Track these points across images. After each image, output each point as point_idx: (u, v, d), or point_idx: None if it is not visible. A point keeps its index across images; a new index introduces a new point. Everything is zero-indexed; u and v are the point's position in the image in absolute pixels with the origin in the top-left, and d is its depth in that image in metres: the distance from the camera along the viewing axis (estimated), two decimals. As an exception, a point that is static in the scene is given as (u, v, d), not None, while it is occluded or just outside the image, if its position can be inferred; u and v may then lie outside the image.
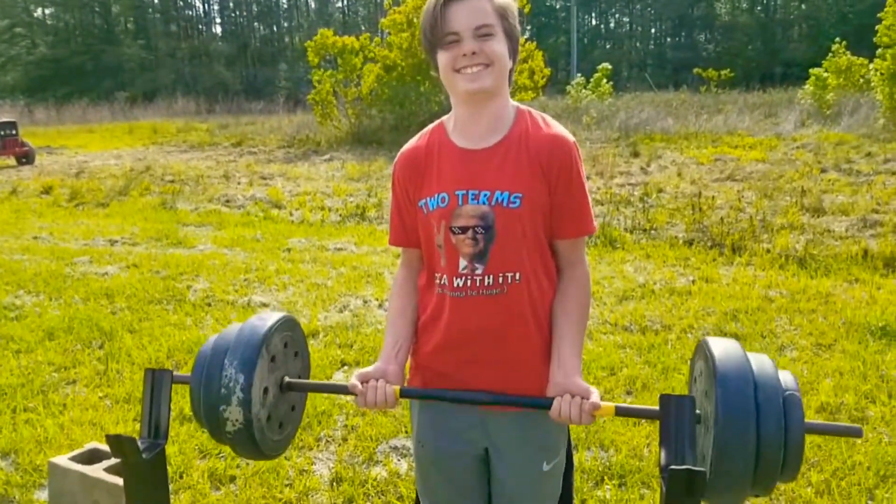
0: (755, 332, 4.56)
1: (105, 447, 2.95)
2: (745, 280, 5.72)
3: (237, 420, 1.48)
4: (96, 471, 2.71)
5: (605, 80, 24.37)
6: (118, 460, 2.80)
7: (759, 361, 1.39)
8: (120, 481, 2.64)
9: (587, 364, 4.04)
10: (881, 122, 15.15)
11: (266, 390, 1.56)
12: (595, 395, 1.46)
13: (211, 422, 1.52)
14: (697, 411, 1.39)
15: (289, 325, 1.67)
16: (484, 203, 1.53)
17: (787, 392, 1.35)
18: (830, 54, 19.77)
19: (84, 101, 32.27)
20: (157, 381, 1.28)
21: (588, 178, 10.76)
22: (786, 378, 1.40)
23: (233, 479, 2.99)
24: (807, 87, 18.99)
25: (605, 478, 2.94)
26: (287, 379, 1.63)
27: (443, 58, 1.53)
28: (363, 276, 6.16)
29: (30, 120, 27.07)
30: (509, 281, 1.55)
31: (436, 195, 1.58)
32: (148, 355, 4.36)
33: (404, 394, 1.52)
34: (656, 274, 5.98)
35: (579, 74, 27.60)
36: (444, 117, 1.67)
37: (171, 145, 18.69)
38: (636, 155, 12.96)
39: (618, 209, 8.53)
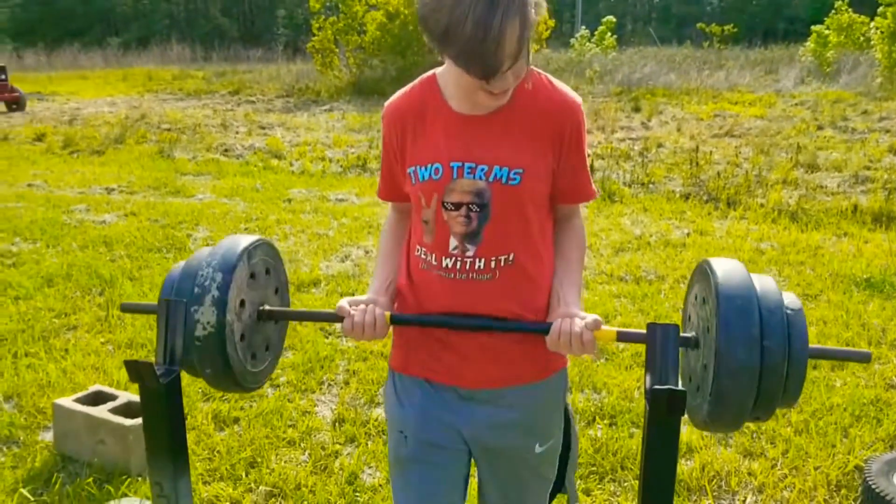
0: (748, 285, 4.65)
1: (109, 389, 3.02)
2: (739, 233, 5.79)
3: (209, 322, 1.38)
4: (101, 412, 2.79)
5: (609, 34, 24.06)
6: (122, 402, 2.88)
7: (763, 282, 1.35)
8: (125, 421, 2.72)
9: (582, 315, 4.11)
10: (878, 81, 15.06)
11: (243, 303, 1.46)
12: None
13: (185, 336, 1.42)
14: (691, 334, 1.42)
15: (271, 252, 1.58)
16: (481, 178, 1.39)
17: (792, 314, 1.32)
18: (833, 11, 19.51)
19: (75, 47, 31.59)
20: (172, 311, 1.31)
21: (589, 132, 10.74)
22: (790, 300, 1.35)
23: (236, 420, 3.08)
24: (808, 44, 18.79)
25: (597, 417, 3.05)
26: (267, 307, 1.53)
27: (470, 80, 1.29)
28: (364, 226, 6.19)
29: (18, 65, 26.39)
30: (502, 264, 1.44)
31: (428, 165, 1.43)
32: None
33: (395, 320, 1.45)
34: (652, 227, 6.04)
35: (583, 27, 27.22)
36: (438, 70, 1.50)
37: (166, 93, 18.47)
38: (637, 110, 12.90)
39: (617, 163, 8.54)
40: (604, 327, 1.37)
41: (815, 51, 18.19)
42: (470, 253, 1.42)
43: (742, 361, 1.25)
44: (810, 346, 1.33)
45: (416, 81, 1.51)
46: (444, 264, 1.44)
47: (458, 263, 1.43)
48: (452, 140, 1.41)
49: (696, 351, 1.40)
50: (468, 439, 1.54)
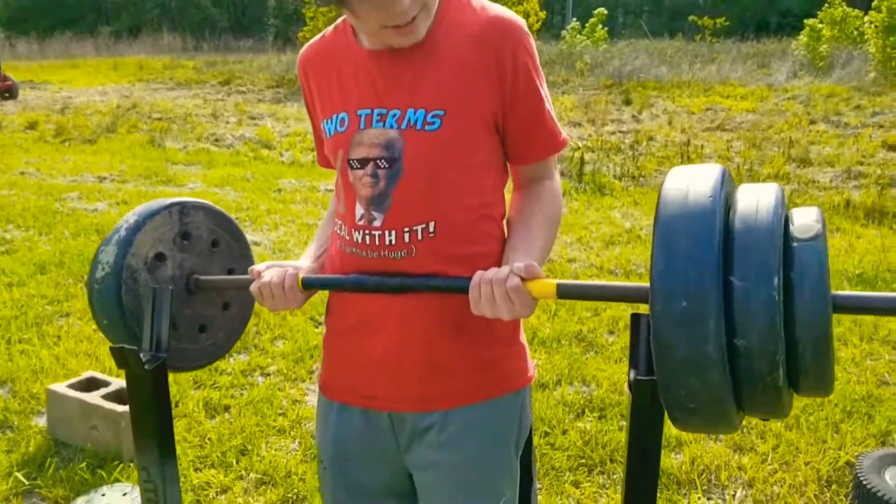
0: (736, 278, 4.69)
1: (102, 376, 3.04)
2: (730, 228, 5.83)
3: (107, 262, 1.30)
4: (94, 398, 2.80)
5: (600, 26, 24.05)
6: (114, 388, 2.90)
7: (749, 192, 0.89)
8: (117, 407, 2.73)
9: (571, 305, 4.14)
10: (872, 76, 15.12)
11: (161, 257, 1.37)
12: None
13: (88, 281, 1.35)
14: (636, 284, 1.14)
15: (225, 225, 1.49)
16: (392, 126, 1.14)
17: (800, 239, 0.82)
18: (826, 5, 19.58)
19: (67, 35, 31.46)
20: (158, 297, 1.31)
21: (579, 124, 10.79)
22: (805, 220, 0.85)
23: (227, 408, 3.10)
24: (801, 37, 18.85)
25: (587, 410, 3.08)
26: (198, 276, 1.41)
27: (363, 10, 1.08)
28: (353, 217, 6.20)
29: (11, 53, 26.33)
30: (419, 236, 1.15)
31: (334, 116, 1.21)
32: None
33: (307, 283, 1.23)
34: (643, 220, 6.07)
35: (574, 19, 27.21)
36: None
37: (157, 82, 18.36)
38: (628, 103, 12.92)
39: (608, 156, 8.57)
40: (546, 280, 1.07)
41: (808, 45, 18.24)
42: (378, 223, 1.16)
43: (680, 306, 0.79)
44: (834, 292, 0.80)
45: (331, 26, 1.29)
46: (355, 239, 1.19)
47: (368, 238, 1.17)
48: (362, 84, 1.18)
49: None
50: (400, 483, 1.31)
